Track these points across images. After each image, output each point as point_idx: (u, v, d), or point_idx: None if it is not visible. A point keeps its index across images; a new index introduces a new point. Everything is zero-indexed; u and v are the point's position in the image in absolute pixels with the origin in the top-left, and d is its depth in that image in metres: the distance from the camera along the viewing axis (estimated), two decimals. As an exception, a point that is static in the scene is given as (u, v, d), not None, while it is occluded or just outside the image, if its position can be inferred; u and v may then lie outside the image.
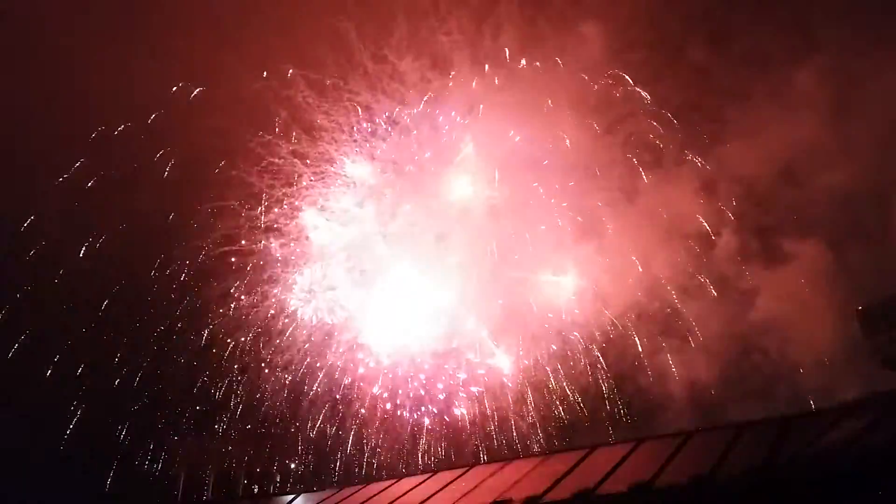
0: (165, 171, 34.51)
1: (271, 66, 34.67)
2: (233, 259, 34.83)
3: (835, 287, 27.66)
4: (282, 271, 35.14)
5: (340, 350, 34.74)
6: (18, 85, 35.11)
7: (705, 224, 32.24)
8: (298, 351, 34.62)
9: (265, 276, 35.01)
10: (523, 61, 35.20)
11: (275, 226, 34.92)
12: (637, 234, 33.14)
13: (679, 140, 33.08)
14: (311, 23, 35.17)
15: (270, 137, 34.75)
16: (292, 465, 34.12)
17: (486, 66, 35.45)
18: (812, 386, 27.23)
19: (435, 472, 23.57)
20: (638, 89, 34.20)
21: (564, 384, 33.62)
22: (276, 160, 34.79)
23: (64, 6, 34.80)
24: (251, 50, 34.42)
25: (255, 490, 33.73)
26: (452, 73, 35.40)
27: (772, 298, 29.49)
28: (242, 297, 34.56)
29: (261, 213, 34.63)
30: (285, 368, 34.41)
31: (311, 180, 35.33)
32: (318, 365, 34.46)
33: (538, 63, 35.01)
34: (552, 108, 33.99)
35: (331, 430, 34.09)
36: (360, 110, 35.45)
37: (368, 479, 28.26)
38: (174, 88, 34.44)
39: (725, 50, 32.03)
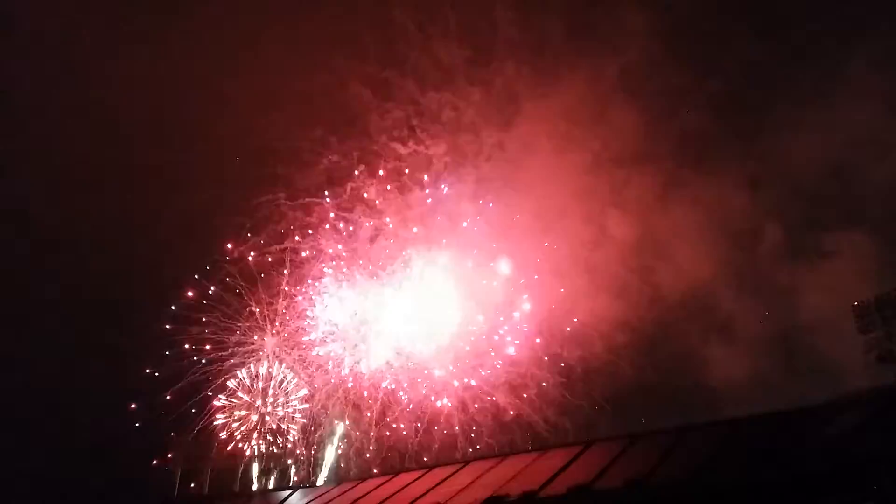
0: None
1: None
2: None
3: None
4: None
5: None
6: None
7: (748, 219, 31.56)
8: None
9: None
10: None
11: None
12: (679, 229, 32.52)
13: (726, 133, 32.42)
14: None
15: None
16: (290, 462, 34.10)
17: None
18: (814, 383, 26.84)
19: (431, 468, 23.61)
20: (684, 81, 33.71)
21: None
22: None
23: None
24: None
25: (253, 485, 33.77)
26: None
27: (812, 294, 28.79)
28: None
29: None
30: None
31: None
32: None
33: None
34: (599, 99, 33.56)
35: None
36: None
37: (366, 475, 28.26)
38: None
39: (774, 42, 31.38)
